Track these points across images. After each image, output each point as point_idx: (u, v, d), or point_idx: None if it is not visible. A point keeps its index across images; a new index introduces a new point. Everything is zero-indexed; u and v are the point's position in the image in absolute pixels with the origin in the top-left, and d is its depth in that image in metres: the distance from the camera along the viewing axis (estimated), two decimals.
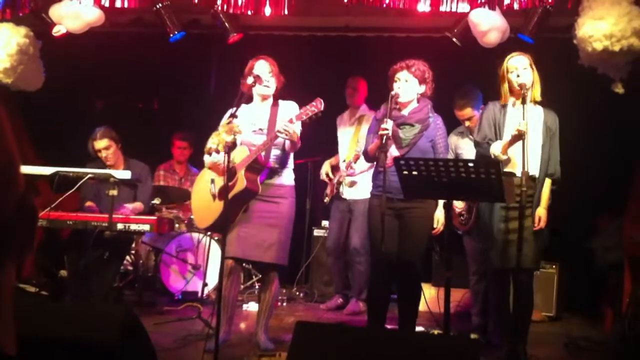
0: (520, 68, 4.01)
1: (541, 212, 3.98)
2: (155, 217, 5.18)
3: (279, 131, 4.13)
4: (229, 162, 3.73)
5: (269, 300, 4.39)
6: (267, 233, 4.27)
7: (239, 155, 4.23)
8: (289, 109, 4.40)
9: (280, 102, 4.45)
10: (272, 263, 4.32)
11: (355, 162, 5.77)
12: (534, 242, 3.96)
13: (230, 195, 4.06)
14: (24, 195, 2.03)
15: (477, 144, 4.18)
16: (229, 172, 3.91)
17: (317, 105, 4.19)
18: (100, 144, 5.36)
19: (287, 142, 4.27)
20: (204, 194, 4.37)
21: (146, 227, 4.98)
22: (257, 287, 6.31)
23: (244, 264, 4.69)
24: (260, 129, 4.36)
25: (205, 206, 4.34)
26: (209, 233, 6.04)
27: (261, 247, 4.25)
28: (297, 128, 4.19)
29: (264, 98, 4.42)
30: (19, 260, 2.08)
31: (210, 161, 4.25)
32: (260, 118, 4.38)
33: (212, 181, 4.31)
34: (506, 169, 3.94)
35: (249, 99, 4.44)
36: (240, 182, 4.15)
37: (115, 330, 3.01)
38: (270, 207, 4.31)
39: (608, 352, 4.52)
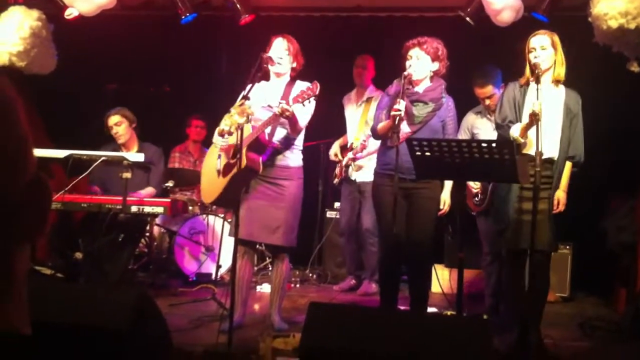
0: (538, 48, 3.95)
1: (560, 195, 3.95)
2: (169, 200, 5.20)
3: (278, 110, 4.11)
4: (241, 143, 3.72)
5: (280, 281, 4.41)
6: (273, 215, 4.27)
7: (245, 134, 4.20)
8: (301, 89, 4.34)
9: (298, 82, 4.42)
10: (279, 245, 4.34)
11: (361, 151, 5.76)
12: (551, 223, 3.93)
13: (231, 174, 4.13)
14: (37, 176, 2.05)
15: (498, 126, 4.14)
16: (238, 152, 3.92)
17: (313, 89, 4.16)
18: (113, 119, 5.43)
19: (263, 122, 4.23)
20: (211, 169, 4.39)
21: (160, 210, 5.01)
22: (270, 269, 6.33)
23: (256, 246, 4.72)
24: (269, 106, 4.33)
25: (211, 181, 4.36)
26: (221, 215, 6.07)
27: (269, 229, 4.27)
28: (296, 110, 4.14)
29: (278, 75, 4.41)
30: (32, 240, 2.10)
31: (222, 143, 4.24)
32: (273, 95, 4.37)
33: (219, 157, 4.32)
34: (525, 151, 3.91)
35: (266, 76, 4.43)
36: (241, 161, 4.13)
37: (130, 312, 3.04)
38: (276, 189, 4.32)
39: (622, 331, 4.51)
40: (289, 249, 4.41)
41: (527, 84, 4.02)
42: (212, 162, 4.39)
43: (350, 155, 5.85)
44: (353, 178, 5.91)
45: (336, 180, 6.05)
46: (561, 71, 3.99)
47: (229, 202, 4.29)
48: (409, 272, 4.47)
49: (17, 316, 2.02)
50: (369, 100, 5.88)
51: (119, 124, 5.44)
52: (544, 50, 3.94)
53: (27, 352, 2.05)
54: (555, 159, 3.93)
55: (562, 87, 4.02)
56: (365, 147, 5.72)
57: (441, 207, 4.44)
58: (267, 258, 6.48)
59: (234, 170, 4.13)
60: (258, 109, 4.27)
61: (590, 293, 5.97)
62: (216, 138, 4.27)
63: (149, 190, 5.39)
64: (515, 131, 3.93)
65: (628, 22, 4.38)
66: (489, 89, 4.87)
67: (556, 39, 3.98)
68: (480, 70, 4.95)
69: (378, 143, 5.55)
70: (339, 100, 6.18)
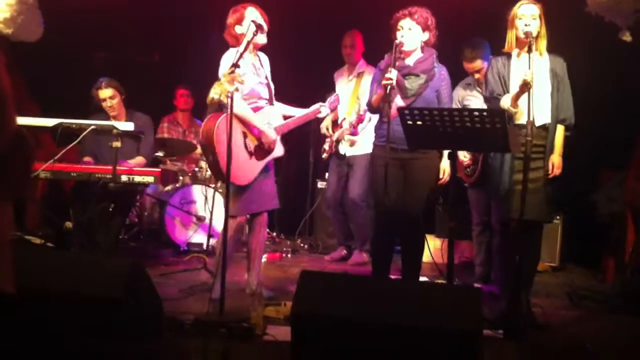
0: (528, 16, 3.92)
1: (556, 158, 3.94)
2: (159, 169, 5.18)
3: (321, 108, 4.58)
4: (232, 110, 3.69)
5: (262, 245, 4.55)
6: (268, 183, 4.42)
7: (275, 119, 4.36)
8: (266, 62, 4.48)
9: (259, 53, 4.45)
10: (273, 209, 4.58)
11: (357, 125, 5.74)
12: (544, 194, 3.94)
13: (268, 158, 4.34)
14: (19, 135, 2.03)
15: (486, 100, 4.14)
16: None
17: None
18: (106, 92, 5.35)
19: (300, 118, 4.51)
20: (239, 149, 4.16)
21: (150, 179, 4.97)
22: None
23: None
24: (265, 81, 4.37)
25: (243, 162, 4.19)
26: (212, 185, 6.06)
27: (267, 197, 4.40)
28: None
29: (257, 47, 4.34)
30: (14, 197, 2.08)
31: (246, 114, 4.21)
32: (259, 69, 4.36)
33: (245, 136, 4.24)
34: (517, 121, 3.91)
35: (237, 44, 4.33)
36: (280, 149, 4.39)
37: (121, 281, 3.04)
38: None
39: (610, 301, 4.56)
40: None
41: (510, 53, 4.02)
42: (239, 142, 4.18)
43: (346, 126, 5.82)
44: (343, 153, 5.90)
45: (325, 155, 6.03)
46: (544, 42, 3.98)
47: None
48: (401, 242, 4.48)
49: (1, 275, 2.01)
50: (359, 75, 5.86)
51: (113, 98, 5.37)
52: (534, 19, 3.92)
53: (11, 311, 2.05)
54: (548, 125, 3.93)
55: (546, 54, 4.01)
56: (362, 121, 5.71)
57: (441, 176, 4.44)
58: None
59: (272, 155, 4.35)
60: (254, 84, 4.25)
61: (579, 263, 6.03)
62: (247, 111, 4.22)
63: (139, 159, 5.35)
64: (506, 101, 3.92)
65: None
66: (478, 63, 4.87)
67: (542, 10, 3.96)
68: (469, 43, 4.93)
69: (369, 119, 5.58)
70: (329, 72, 6.15)
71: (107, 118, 5.38)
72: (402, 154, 4.18)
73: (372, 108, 4.45)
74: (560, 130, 3.98)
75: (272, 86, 4.48)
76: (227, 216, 3.88)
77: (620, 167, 5.50)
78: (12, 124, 1.99)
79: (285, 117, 4.49)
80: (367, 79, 5.38)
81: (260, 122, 4.24)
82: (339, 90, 5.97)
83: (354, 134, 5.79)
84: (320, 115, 4.62)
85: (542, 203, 3.91)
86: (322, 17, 6.55)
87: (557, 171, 3.94)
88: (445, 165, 4.42)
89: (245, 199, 4.23)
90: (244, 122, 4.19)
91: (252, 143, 4.26)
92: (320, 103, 4.56)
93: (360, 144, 5.72)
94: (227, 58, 4.23)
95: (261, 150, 4.29)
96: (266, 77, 4.40)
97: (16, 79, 2.13)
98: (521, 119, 3.88)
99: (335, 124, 5.96)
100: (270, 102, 4.42)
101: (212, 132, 4.05)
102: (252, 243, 4.48)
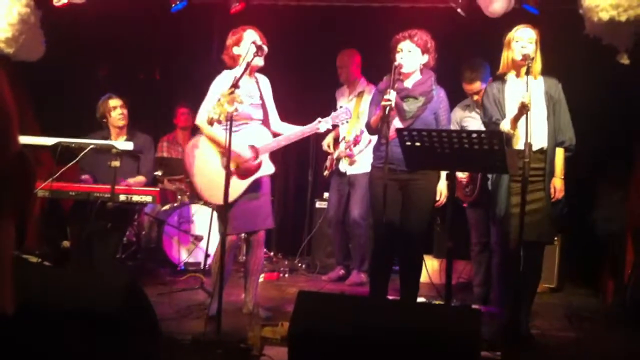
0: (525, 40, 3.96)
1: (557, 182, 3.96)
2: (157, 189, 5.18)
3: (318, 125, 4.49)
4: (231, 132, 3.71)
5: (260, 265, 4.55)
6: (261, 202, 4.42)
7: (259, 138, 4.34)
8: (266, 83, 4.50)
9: (257, 74, 4.47)
10: (269, 228, 4.57)
11: (354, 146, 5.76)
12: (545, 215, 3.94)
13: (255, 176, 4.31)
14: (21, 155, 2.04)
15: (485, 125, 4.17)
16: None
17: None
18: (116, 102, 5.41)
19: (292, 134, 4.46)
20: (214, 168, 4.29)
21: (148, 199, 4.98)
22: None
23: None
24: (259, 102, 4.40)
25: (220, 182, 4.16)
26: (210, 205, 6.04)
27: (260, 216, 4.41)
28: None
29: (254, 69, 4.38)
30: (16, 217, 2.09)
31: (215, 135, 4.25)
32: (253, 91, 4.38)
33: (224, 155, 4.26)
34: (514, 146, 3.92)
35: (233, 65, 4.41)
36: (269, 167, 4.37)
37: (118, 300, 3.03)
38: (262, 179, 4.42)
39: (609, 322, 4.54)
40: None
41: (504, 76, 4.05)
42: (214, 162, 4.31)
43: (342, 148, 5.83)
44: (343, 170, 5.91)
45: (326, 173, 6.05)
46: (539, 66, 4.01)
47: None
48: (400, 263, 4.47)
49: (1, 295, 2.01)
50: (360, 94, 5.87)
51: (122, 107, 5.43)
52: (531, 43, 3.95)
53: (9, 332, 2.04)
54: (545, 149, 3.94)
55: (540, 78, 4.04)
56: (358, 142, 5.73)
57: (438, 197, 4.45)
58: None
59: (259, 173, 4.33)
60: (246, 105, 4.24)
61: (578, 284, 6.00)
62: (205, 126, 4.24)
63: (139, 178, 5.36)
64: (505, 125, 3.94)
65: (619, 15, 4.39)
66: (477, 85, 4.90)
67: (538, 35, 3.99)
68: (468, 64, 4.96)
69: (368, 140, 5.58)
70: (330, 90, 6.18)
71: (107, 136, 5.39)
72: (401, 175, 4.18)
73: (370, 129, 4.46)
74: (560, 153, 3.99)
75: (272, 107, 4.50)
76: (224, 235, 3.90)
77: (619, 185, 5.50)
78: (15, 144, 2.01)
79: None
80: (367, 98, 5.38)
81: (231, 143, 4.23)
82: None
83: (349, 156, 5.81)
84: (320, 130, 4.55)
85: (542, 224, 3.92)
86: (322, 36, 6.60)
87: (559, 195, 3.96)
88: (442, 187, 4.43)
89: (234, 217, 4.22)
90: (217, 143, 4.26)
91: (231, 163, 4.26)
92: (319, 119, 4.51)
93: (362, 163, 5.71)
94: (219, 82, 4.31)
95: (243, 169, 4.28)
96: (261, 98, 4.42)
97: (20, 98, 2.14)
98: (519, 144, 3.89)
99: (337, 142, 5.98)
100: (266, 123, 4.43)
101: (185, 155, 4.35)
102: (249, 262, 4.48)
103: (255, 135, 4.35)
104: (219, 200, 4.18)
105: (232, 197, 4.20)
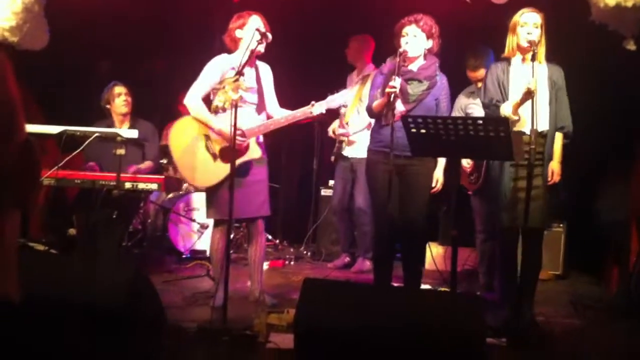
0: (531, 24, 3.94)
1: (555, 165, 3.96)
2: (163, 176, 5.19)
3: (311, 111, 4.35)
4: (236, 120, 3.70)
5: (262, 253, 4.48)
6: (257, 189, 4.37)
7: (247, 120, 4.25)
8: (267, 70, 4.47)
9: (258, 62, 4.44)
10: (266, 216, 4.46)
11: (347, 123, 5.76)
12: (544, 201, 3.93)
13: (241, 160, 4.19)
14: (26, 144, 2.04)
15: (484, 106, 4.15)
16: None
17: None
18: (121, 89, 5.48)
19: (283, 118, 4.34)
20: (198, 150, 4.28)
21: (154, 186, 4.98)
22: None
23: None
24: (255, 87, 4.37)
25: (203, 164, 4.27)
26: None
27: (254, 204, 4.35)
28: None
29: (257, 55, 4.34)
30: (22, 206, 2.09)
31: (218, 128, 4.24)
32: (250, 76, 4.35)
33: (208, 138, 4.28)
34: (516, 129, 3.91)
35: (230, 53, 4.40)
36: (255, 151, 4.29)
37: (124, 289, 3.04)
38: (252, 165, 4.37)
39: (613, 310, 4.54)
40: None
41: (509, 59, 4.03)
42: (197, 144, 4.29)
43: (341, 130, 5.86)
44: (345, 154, 5.91)
45: (333, 157, 6.06)
46: (544, 51, 3.99)
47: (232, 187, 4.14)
48: (402, 249, 4.48)
49: (7, 283, 2.02)
50: (364, 78, 5.86)
51: (127, 94, 5.49)
52: (536, 28, 3.93)
53: (15, 320, 2.05)
54: (546, 132, 3.93)
55: (544, 63, 4.02)
56: (348, 135, 5.78)
57: (433, 184, 4.45)
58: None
59: (246, 157, 4.25)
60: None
61: (583, 271, 6.00)
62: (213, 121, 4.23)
63: (148, 163, 5.39)
64: (507, 109, 3.92)
65: (626, 0, 4.36)
66: (481, 72, 4.88)
67: (543, 19, 3.97)
68: (472, 51, 4.93)
69: (362, 122, 5.58)
70: (333, 76, 6.16)
71: (111, 124, 5.40)
72: (398, 160, 4.15)
73: (372, 113, 4.44)
74: (559, 137, 3.99)
75: (272, 94, 4.48)
76: (229, 224, 3.89)
77: (623, 174, 5.48)
78: (21, 132, 2.01)
79: None
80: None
81: (218, 123, 4.22)
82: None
83: (345, 135, 5.84)
84: (313, 114, 4.41)
85: (542, 210, 3.92)
86: (326, 22, 6.56)
87: (556, 178, 3.96)
88: (438, 174, 4.42)
89: (223, 202, 4.11)
90: (204, 123, 4.25)
91: (216, 145, 4.25)
92: (313, 102, 4.38)
93: (361, 146, 5.69)
94: (214, 65, 4.30)
95: (228, 152, 4.14)
96: (258, 83, 4.38)
97: (24, 87, 2.14)
98: (521, 126, 3.89)
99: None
100: (261, 108, 4.40)
101: (168, 137, 4.33)
102: (251, 250, 4.48)
103: (245, 118, 4.24)
104: (202, 183, 4.27)
105: (212, 180, 4.23)
